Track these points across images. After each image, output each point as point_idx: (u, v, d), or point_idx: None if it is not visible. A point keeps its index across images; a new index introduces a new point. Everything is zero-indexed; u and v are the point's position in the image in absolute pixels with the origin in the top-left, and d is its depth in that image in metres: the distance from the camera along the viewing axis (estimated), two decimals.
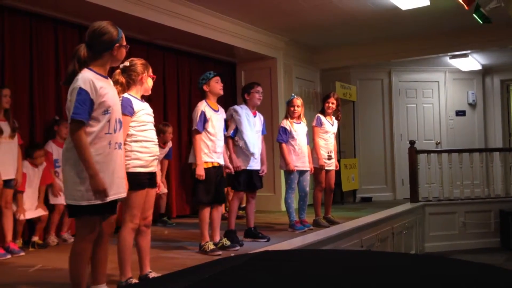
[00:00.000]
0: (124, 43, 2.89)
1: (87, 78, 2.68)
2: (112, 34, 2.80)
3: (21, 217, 4.73)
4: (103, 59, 2.81)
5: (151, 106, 6.51)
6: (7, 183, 4.53)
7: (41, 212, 4.92)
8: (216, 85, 4.42)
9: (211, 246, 4.29)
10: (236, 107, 4.92)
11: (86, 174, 2.65)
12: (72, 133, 2.65)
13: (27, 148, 4.96)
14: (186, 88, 7.35)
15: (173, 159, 6.82)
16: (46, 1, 5.10)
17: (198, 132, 4.28)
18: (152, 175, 3.38)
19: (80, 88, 2.64)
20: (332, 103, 5.84)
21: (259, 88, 4.97)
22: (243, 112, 4.86)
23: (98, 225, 2.79)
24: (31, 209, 4.86)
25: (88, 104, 2.66)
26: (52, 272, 3.88)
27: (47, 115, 5.40)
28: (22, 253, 4.54)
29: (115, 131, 2.81)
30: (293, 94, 5.79)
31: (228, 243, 4.46)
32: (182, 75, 7.31)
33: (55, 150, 5.12)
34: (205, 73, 4.50)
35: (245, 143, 4.76)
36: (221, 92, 4.48)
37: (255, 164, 4.89)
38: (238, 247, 4.50)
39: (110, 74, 3.36)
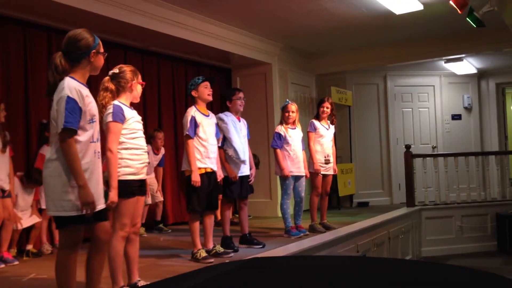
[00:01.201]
0: (102, 50, 2.85)
1: (73, 86, 2.66)
2: (88, 40, 2.76)
3: (19, 227, 4.70)
4: (81, 66, 2.77)
5: (147, 113, 6.59)
6: (4, 194, 4.52)
7: (36, 219, 4.90)
8: (205, 91, 4.38)
9: (203, 254, 4.27)
10: (221, 115, 4.82)
11: (74, 183, 2.62)
12: (62, 142, 2.61)
13: (27, 172, 4.92)
14: (182, 94, 7.35)
15: (169, 166, 6.81)
16: (39, 10, 5.10)
17: (190, 138, 4.24)
18: (142, 182, 3.37)
19: (68, 97, 2.61)
20: (327, 108, 5.85)
21: (241, 94, 4.91)
22: (229, 119, 4.79)
23: (82, 235, 2.76)
24: (26, 217, 4.84)
25: (78, 113, 2.64)
26: (46, 281, 3.85)
27: (39, 126, 5.39)
28: (16, 262, 4.53)
29: (97, 140, 2.80)
30: (287, 100, 5.78)
31: (221, 250, 4.44)
32: (177, 82, 7.31)
33: None
34: (194, 78, 4.46)
35: (235, 150, 4.69)
36: (210, 98, 4.43)
37: (245, 169, 4.87)
38: (232, 254, 4.48)
39: (98, 82, 3.37)
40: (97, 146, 2.80)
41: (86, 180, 2.63)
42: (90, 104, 2.73)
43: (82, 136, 2.68)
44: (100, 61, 2.85)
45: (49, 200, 2.69)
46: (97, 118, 2.80)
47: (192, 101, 4.47)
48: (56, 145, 2.67)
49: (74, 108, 2.62)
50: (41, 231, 5.06)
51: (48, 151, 2.74)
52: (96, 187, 2.74)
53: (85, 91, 2.73)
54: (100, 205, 2.79)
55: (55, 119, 2.65)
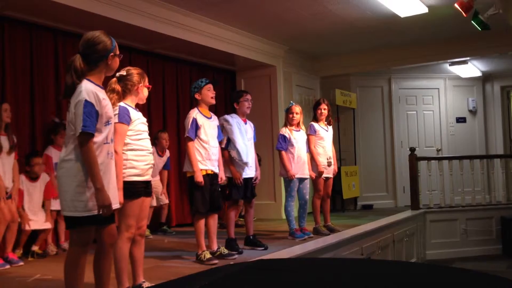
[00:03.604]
0: (118, 52, 2.88)
1: (90, 90, 2.68)
2: (106, 44, 2.79)
3: (27, 227, 4.71)
4: (99, 69, 2.80)
5: (151, 115, 6.61)
6: (7, 194, 4.54)
7: (48, 225, 4.92)
8: (208, 93, 4.38)
9: (208, 255, 4.27)
10: (226, 116, 4.84)
11: (88, 184, 2.65)
12: (82, 145, 2.63)
13: (26, 156, 4.95)
14: (186, 97, 7.35)
15: (172, 168, 6.81)
16: (46, 12, 5.12)
17: (190, 140, 4.25)
18: (147, 183, 3.38)
19: (86, 101, 2.63)
20: (324, 109, 5.83)
21: (248, 96, 4.92)
22: (234, 121, 4.80)
23: (93, 235, 2.78)
24: (40, 221, 4.86)
25: (95, 116, 2.67)
26: (51, 281, 3.87)
27: (47, 125, 5.41)
28: (21, 263, 4.54)
29: (111, 140, 2.84)
30: (291, 102, 5.78)
31: (226, 251, 4.45)
32: (182, 84, 7.33)
33: (55, 154, 5.08)
34: (197, 80, 4.46)
35: (238, 152, 4.70)
36: (213, 101, 4.43)
37: (249, 171, 4.87)
38: (236, 256, 4.48)
39: (105, 82, 3.38)
40: (110, 147, 2.83)
41: (103, 183, 2.65)
42: (106, 107, 2.76)
43: (97, 138, 2.71)
44: (116, 63, 2.88)
45: (63, 200, 2.71)
46: (112, 120, 2.83)
47: (196, 103, 4.48)
48: (71, 146, 2.68)
49: (91, 112, 2.64)
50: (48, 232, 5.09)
51: (62, 151, 2.76)
52: (109, 187, 2.76)
53: (102, 94, 2.75)
54: (114, 205, 2.80)
55: (73, 121, 2.67)
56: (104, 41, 2.78)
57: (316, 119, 5.87)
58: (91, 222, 2.69)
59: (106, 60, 2.80)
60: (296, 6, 6.09)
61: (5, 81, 5.07)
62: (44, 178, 5.01)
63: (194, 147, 4.26)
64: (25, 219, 4.71)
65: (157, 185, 6.33)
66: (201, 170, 4.25)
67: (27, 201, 4.85)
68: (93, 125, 2.64)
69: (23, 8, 5.04)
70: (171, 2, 5.73)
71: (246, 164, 4.76)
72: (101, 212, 2.65)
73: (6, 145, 4.54)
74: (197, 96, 4.39)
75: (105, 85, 2.91)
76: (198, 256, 4.30)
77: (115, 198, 2.85)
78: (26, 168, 4.90)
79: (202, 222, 4.33)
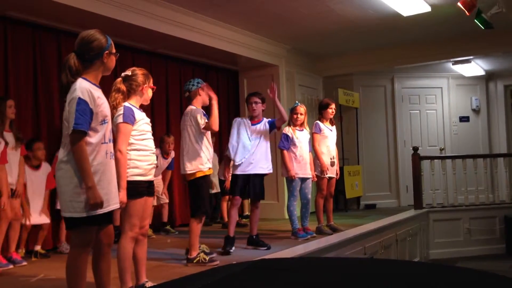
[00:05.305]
0: (114, 50, 2.87)
1: (85, 88, 2.66)
2: (101, 41, 2.78)
3: (27, 222, 4.71)
4: (94, 67, 2.78)
5: (154, 115, 6.60)
6: (13, 193, 4.55)
7: (45, 219, 4.92)
8: (205, 93, 4.40)
9: (205, 256, 4.19)
10: (236, 119, 5.15)
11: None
12: (73, 143, 2.62)
13: (27, 141, 4.93)
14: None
15: (176, 169, 6.79)
16: (49, 12, 5.13)
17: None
18: (150, 183, 3.39)
19: (79, 98, 2.62)
20: (334, 109, 5.88)
21: (252, 99, 5.07)
22: (237, 122, 5.04)
23: (94, 236, 2.78)
24: (36, 215, 4.87)
25: (88, 114, 2.65)
26: (54, 281, 3.87)
27: (52, 125, 5.43)
28: (25, 263, 4.55)
29: (110, 140, 2.82)
30: (297, 102, 5.80)
31: (206, 258, 4.20)
32: (184, 84, 7.31)
33: None
34: (196, 78, 4.45)
35: (228, 149, 4.95)
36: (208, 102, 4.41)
37: (252, 168, 4.89)
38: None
39: (107, 82, 3.38)
40: (109, 146, 2.81)
41: (94, 182, 2.64)
42: (102, 105, 2.74)
43: (93, 138, 2.69)
44: (113, 62, 2.86)
45: (62, 201, 2.72)
46: (109, 119, 2.82)
47: (189, 101, 4.39)
48: (68, 147, 2.67)
49: (84, 109, 2.63)
50: (61, 230, 5.12)
51: (60, 152, 2.75)
52: (109, 187, 2.76)
53: (97, 93, 2.74)
54: (113, 205, 2.80)
55: (67, 120, 2.66)
56: (99, 39, 2.78)
57: (324, 118, 5.86)
58: (90, 222, 2.68)
59: (101, 58, 2.78)
60: (299, 5, 6.09)
61: (8, 82, 5.09)
62: (46, 168, 5.02)
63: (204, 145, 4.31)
64: (27, 213, 4.71)
65: (159, 184, 6.33)
66: (210, 169, 4.32)
67: (30, 190, 4.85)
68: (86, 123, 2.62)
69: (25, 9, 5.05)
70: (174, 2, 5.73)
71: (234, 160, 4.90)
72: (92, 209, 2.63)
73: (12, 141, 4.56)
74: (200, 91, 4.36)
75: (103, 85, 2.90)
76: (194, 259, 4.18)
77: (116, 198, 2.84)
78: (28, 153, 4.87)
79: (201, 224, 4.28)
